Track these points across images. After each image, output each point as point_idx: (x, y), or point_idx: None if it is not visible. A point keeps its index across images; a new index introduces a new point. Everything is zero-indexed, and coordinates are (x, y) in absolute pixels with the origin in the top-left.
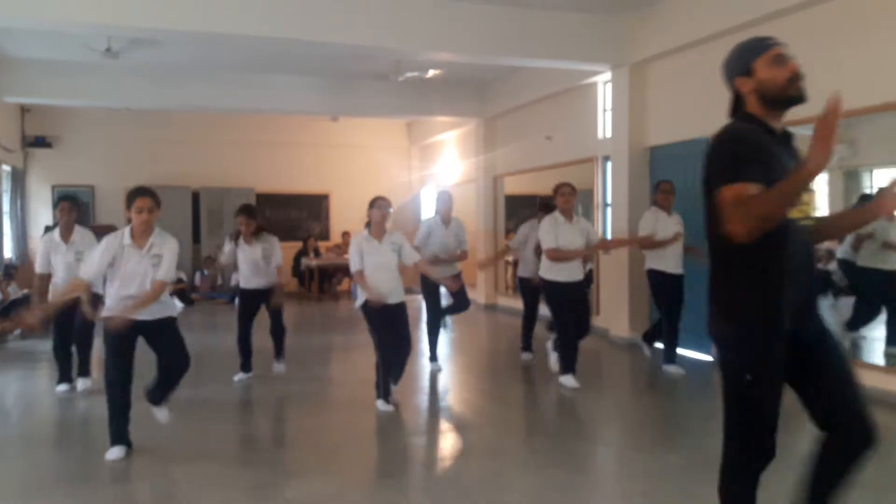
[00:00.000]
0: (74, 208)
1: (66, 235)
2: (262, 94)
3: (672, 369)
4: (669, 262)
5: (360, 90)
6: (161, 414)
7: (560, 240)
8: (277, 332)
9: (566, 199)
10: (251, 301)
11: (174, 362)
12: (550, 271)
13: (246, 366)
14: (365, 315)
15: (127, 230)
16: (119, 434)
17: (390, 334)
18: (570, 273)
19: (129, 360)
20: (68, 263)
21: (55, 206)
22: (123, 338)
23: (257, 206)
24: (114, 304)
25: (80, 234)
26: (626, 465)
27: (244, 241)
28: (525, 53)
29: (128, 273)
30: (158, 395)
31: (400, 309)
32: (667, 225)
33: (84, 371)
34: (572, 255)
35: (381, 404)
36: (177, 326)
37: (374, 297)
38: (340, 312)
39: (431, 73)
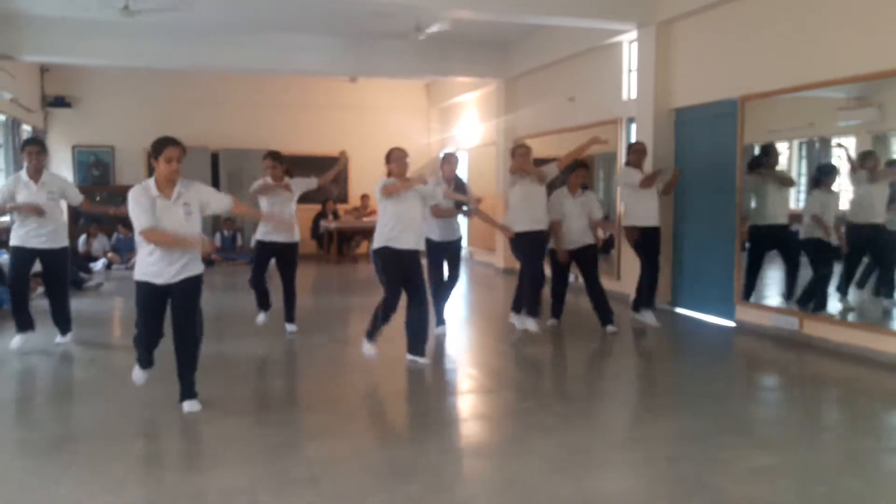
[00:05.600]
0: (43, 152)
1: (35, 176)
2: (281, 55)
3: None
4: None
5: (378, 50)
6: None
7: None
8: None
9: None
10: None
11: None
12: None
13: (263, 304)
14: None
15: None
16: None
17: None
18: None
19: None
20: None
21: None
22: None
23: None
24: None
25: (49, 176)
26: (648, 430)
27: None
28: (548, 11)
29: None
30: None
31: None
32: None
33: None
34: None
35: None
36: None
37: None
38: (359, 275)
39: (446, 25)
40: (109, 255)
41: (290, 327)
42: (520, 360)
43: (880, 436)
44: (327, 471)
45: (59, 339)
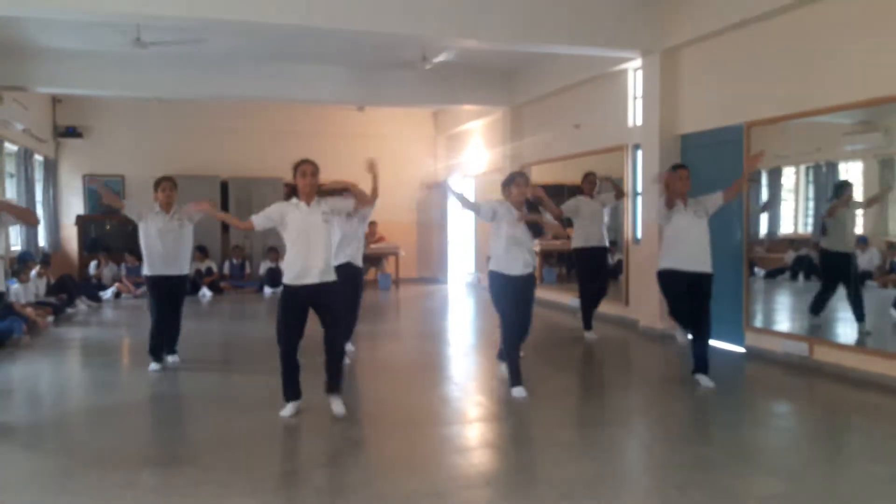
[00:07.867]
0: None
1: None
2: (289, 84)
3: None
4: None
5: (386, 79)
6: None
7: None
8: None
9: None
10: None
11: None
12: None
13: (292, 389)
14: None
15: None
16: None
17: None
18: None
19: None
20: None
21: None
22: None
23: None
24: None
25: None
26: (657, 458)
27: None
28: (553, 40)
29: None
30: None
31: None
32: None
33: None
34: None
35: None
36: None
37: None
38: (367, 301)
39: (453, 55)
40: (118, 284)
41: (337, 406)
42: (527, 388)
43: (894, 463)
44: (335, 500)
45: None
